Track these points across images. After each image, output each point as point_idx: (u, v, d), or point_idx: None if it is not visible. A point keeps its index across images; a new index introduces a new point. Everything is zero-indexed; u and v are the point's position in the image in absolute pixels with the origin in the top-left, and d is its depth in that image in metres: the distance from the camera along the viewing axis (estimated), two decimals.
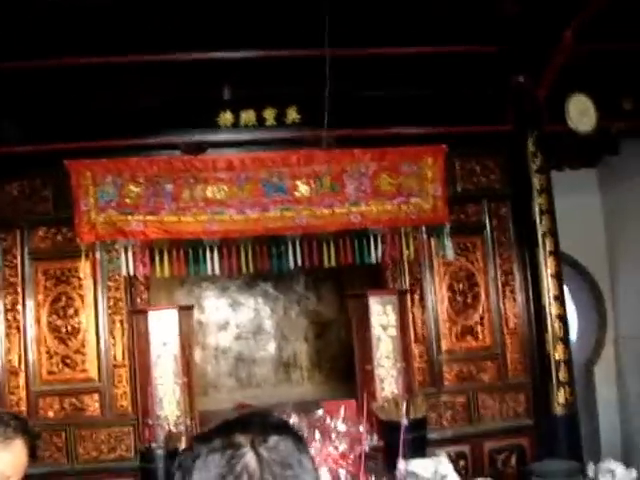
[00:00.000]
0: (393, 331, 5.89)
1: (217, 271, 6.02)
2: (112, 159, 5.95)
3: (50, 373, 6.23)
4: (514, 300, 6.81)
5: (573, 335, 10.02)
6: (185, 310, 5.93)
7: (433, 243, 6.41)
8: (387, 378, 5.83)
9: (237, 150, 6.30)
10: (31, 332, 6.23)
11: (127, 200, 5.89)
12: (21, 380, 6.18)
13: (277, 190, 6.07)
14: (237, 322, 8.95)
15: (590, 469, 3.06)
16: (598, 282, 9.18)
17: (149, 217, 5.89)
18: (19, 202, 6.33)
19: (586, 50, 6.30)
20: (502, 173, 6.89)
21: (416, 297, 6.62)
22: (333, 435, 3.59)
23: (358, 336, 6.14)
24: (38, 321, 6.25)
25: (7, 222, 6.32)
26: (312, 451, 3.50)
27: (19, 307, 6.23)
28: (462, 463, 6.43)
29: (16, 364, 6.19)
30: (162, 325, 5.64)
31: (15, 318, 6.23)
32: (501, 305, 6.80)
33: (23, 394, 6.17)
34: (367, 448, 3.65)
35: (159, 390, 5.60)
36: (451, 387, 6.66)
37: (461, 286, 6.76)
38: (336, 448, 3.55)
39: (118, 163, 5.94)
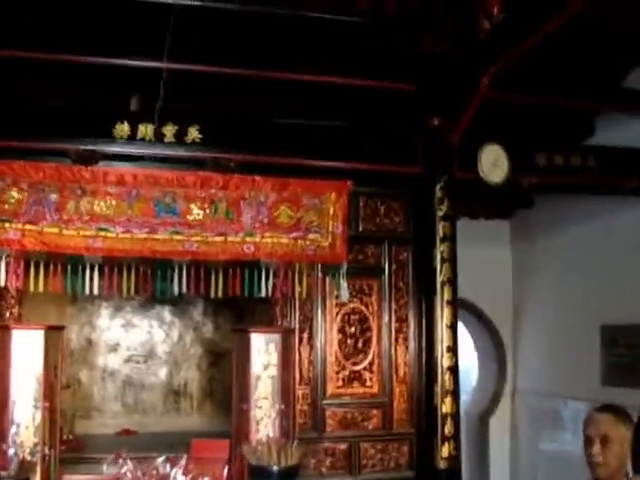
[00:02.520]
0: (274, 371, 5.58)
1: (96, 291, 5.66)
2: None
3: None
4: (406, 348, 6.60)
5: (472, 385, 9.97)
6: (54, 330, 5.51)
7: (328, 282, 6.13)
8: (264, 419, 5.51)
9: (131, 165, 5.93)
10: None
11: (6, 206, 5.49)
12: None
13: (169, 211, 5.76)
14: (129, 344, 8.61)
15: None
16: (501, 334, 9.14)
17: (28, 226, 5.50)
18: None
19: (503, 100, 6.23)
20: (406, 216, 6.71)
21: (305, 336, 6.36)
22: None
23: (237, 373, 5.83)
24: None
25: None
26: None
27: None
28: None
29: None
30: (26, 345, 5.21)
31: None
32: (392, 352, 6.57)
33: None
34: None
35: (15, 414, 5.16)
36: (333, 433, 6.41)
37: (353, 329, 6.52)
38: None
39: (1, 165, 5.53)
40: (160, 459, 3.33)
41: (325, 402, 6.40)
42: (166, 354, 8.65)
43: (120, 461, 3.25)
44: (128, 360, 8.54)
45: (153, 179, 5.77)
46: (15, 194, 5.51)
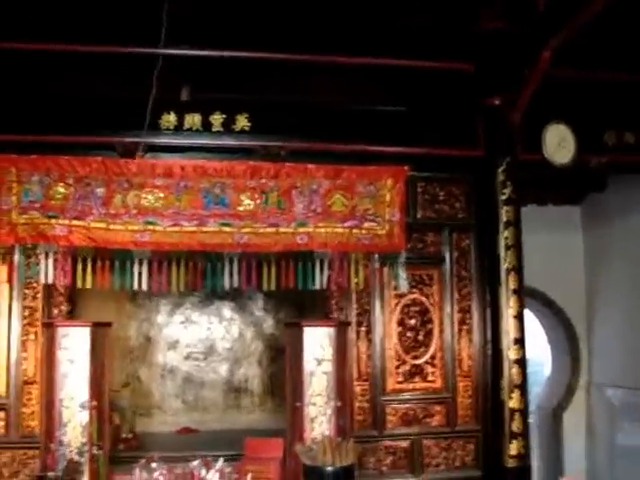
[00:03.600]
0: (329, 366, 5.34)
1: (145, 287, 5.48)
2: (41, 156, 5.41)
3: None
4: (470, 340, 6.29)
5: (544, 378, 9.54)
6: (101, 327, 5.37)
7: (386, 272, 5.78)
8: (318, 417, 5.28)
9: (178, 156, 5.79)
10: None
11: (53, 202, 5.36)
12: None
13: (218, 203, 5.54)
14: (188, 341, 8.47)
15: None
16: (574, 325, 8.68)
17: (75, 222, 5.36)
18: None
19: (567, 76, 5.88)
20: (467, 201, 6.40)
21: (362, 330, 6.11)
22: None
23: (290, 368, 5.61)
24: None
25: None
26: None
27: None
28: None
29: None
30: (72, 342, 5.11)
31: None
32: (455, 345, 6.28)
33: None
34: None
35: (63, 413, 5.05)
36: (394, 431, 6.13)
37: (413, 321, 6.25)
38: None
39: (47, 161, 5.40)
40: (195, 462, 3.12)
41: (385, 398, 6.15)
42: (226, 351, 8.48)
43: (153, 465, 3.05)
44: (188, 357, 8.40)
45: (201, 170, 5.55)
46: (62, 189, 5.39)
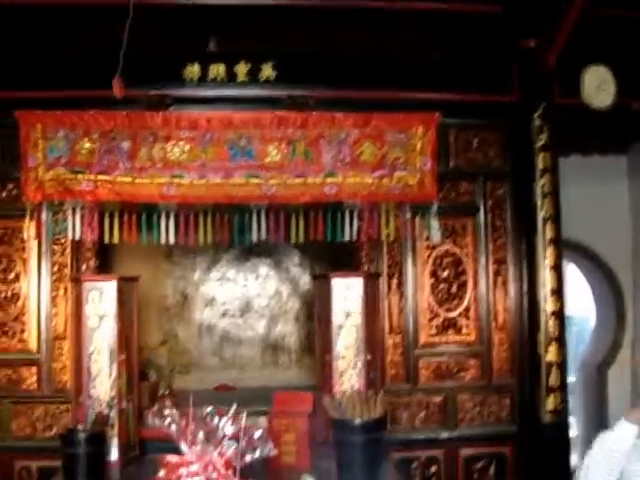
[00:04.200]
0: (358, 319, 5.22)
1: (172, 240, 5.41)
2: (66, 112, 5.34)
3: None
4: (506, 292, 6.10)
5: (589, 334, 9.32)
6: (128, 281, 5.34)
7: (417, 223, 5.60)
8: (348, 371, 5.18)
9: (203, 108, 5.66)
10: None
11: (78, 157, 5.29)
12: None
13: (244, 154, 5.41)
14: (224, 298, 8.43)
15: None
16: (619, 279, 8.42)
17: (101, 177, 5.29)
18: None
19: (606, 15, 5.60)
20: (502, 149, 6.16)
21: (394, 282, 5.98)
22: (220, 437, 3.00)
23: (319, 322, 5.51)
24: None
25: None
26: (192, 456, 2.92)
27: None
28: (433, 469, 5.88)
29: None
30: (99, 297, 5.07)
31: None
32: (490, 297, 6.09)
33: None
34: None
35: (92, 367, 5.05)
36: (427, 385, 6.02)
37: (446, 273, 6.09)
38: (222, 454, 2.95)
39: (72, 116, 5.32)
40: (208, 409, 3.05)
41: (418, 352, 6.02)
42: (263, 308, 8.41)
43: (166, 412, 2.99)
44: (224, 314, 8.36)
45: (227, 121, 5.41)
46: (87, 144, 5.31)
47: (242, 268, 8.42)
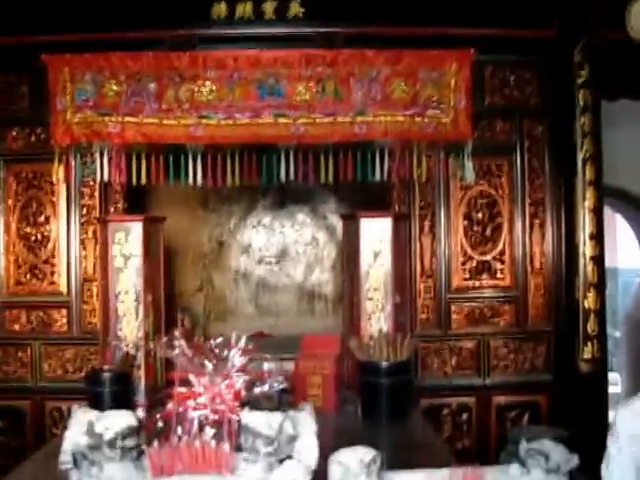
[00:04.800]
0: (386, 260, 5.07)
1: (199, 181, 5.34)
2: (93, 54, 5.30)
3: (18, 284, 5.87)
4: (542, 235, 5.88)
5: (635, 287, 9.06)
6: (154, 222, 5.30)
7: (451, 163, 5.44)
8: (375, 313, 5.05)
9: (230, 47, 5.54)
10: (0, 239, 5.85)
11: (105, 100, 5.26)
12: None
13: (272, 93, 5.30)
14: (260, 245, 8.35)
15: (522, 448, 2.28)
16: None
17: (128, 119, 5.25)
18: None
19: None
20: (540, 86, 5.90)
21: (426, 224, 5.83)
22: (229, 369, 2.92)
23: (347, 263, 5.39)
24: (7, 227, 5.87)
25: None
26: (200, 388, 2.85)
27: None
28: (465, 417, 5.76)
29: None
30: (125, 237, 5.04)
31: None
32: (526, 240, 5.88)
33: None
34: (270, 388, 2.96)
35: (119, 308, 5.03)
36: (459, 330, 5.88)
37: (480, 215, 5.90)
38: (230, 387, 2.87)
39: (99, 59, 5.29)
40: (218, 340, 2.98)
41: (450, 296, 5.88)
42: (299, 255, 8.32)
43: (175, 342, 2.93)
44: (260, 262, 8.29)
45: (255, 60, 5.30)
46: (114, 87, 5.26)
47: (278, 215, 8.32)
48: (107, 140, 5.25)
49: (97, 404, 4.55)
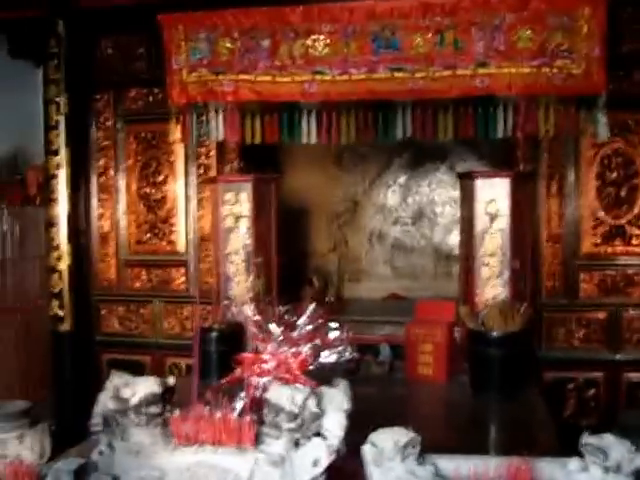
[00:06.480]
0: (504, 222, 4.73)
1: (313, 139, 5.21)
2: (207, 12, 5.27)
3: (139, 242, 6.05)
4: None
5: None
6: (266, 182, 5.21)
7: (582, 117, 4.95)
8: (491, 279, 4.74)
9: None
10: (122, 198, 6.00)
11: (220, 58, 5.24)
12: (111, 248, 6.06)
13: (388, 46, 5.05)
14: (396, 206, 8.12)
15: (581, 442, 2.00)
16: None
17: (241, 76, 5.20)
18: (113, 60, 6.05)
19: None
20: None
21: (554, 185, 5.43)
22: (295, 336, 2.76)
23: (463, 225, 5.08)
24: (128, 187, 6.04)
25: (101, 81, 6.07)
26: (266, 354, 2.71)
27: (111, 172, 6.04)
28: (591, 393, 5.39)
29: (107, 231, 6.00)
30: (235, 197, 5.01)
31: (107, 183, 6.06)
32: None
33: (112, 262, 6.02)
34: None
35: (229, 268, 5.01)
36: (588, 300, 5.48)
37: (614, 175, 5.44)
38: (296, 355, 2.70)
39: (213, 16, 5.26)
40: (286, 307, 2.83)
41: (579, 263, 5.49)
42: (436, 216, 8.01)
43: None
44: (396, 222, 8.06)
45: (370, 12, 5.07)
46: (228, 44, 5.22)
47: (414, 174, 8.03)
48: (221, 99, 5.22)
49: (204, 363, 4.57)
